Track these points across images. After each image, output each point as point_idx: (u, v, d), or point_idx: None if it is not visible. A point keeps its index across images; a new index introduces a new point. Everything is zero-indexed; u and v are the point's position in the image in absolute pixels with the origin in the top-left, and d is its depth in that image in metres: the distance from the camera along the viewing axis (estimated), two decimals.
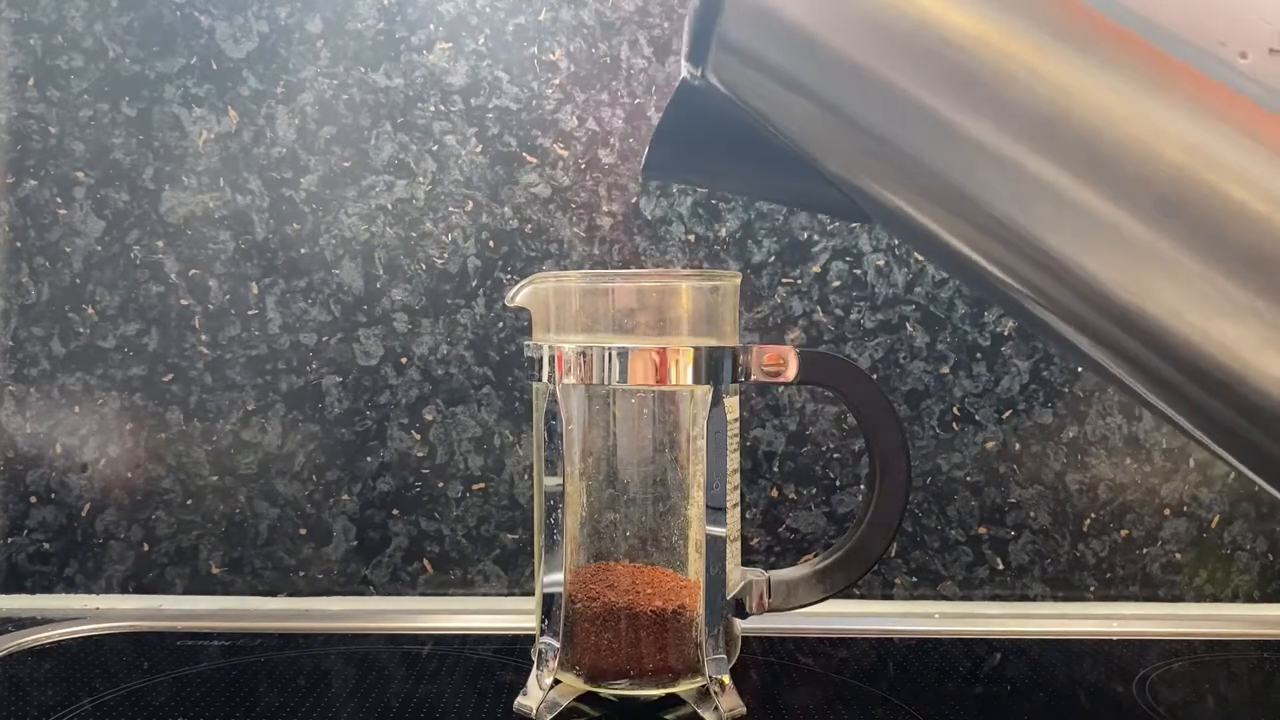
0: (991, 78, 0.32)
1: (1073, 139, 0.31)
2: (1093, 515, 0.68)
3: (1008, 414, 0.68)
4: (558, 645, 0.46)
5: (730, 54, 0.38)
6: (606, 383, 0.46)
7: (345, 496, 0.67)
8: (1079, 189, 0.31)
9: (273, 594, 0.67)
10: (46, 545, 0.67)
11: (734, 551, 0.48)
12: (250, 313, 0.67)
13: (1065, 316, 0.34)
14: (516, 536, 0.67)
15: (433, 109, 0.67)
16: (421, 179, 0.67)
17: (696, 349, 0.46)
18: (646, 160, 0.47)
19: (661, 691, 0.47)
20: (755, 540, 0.67)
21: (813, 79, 0.36)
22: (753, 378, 0.47)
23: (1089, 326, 0.33)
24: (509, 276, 0.67)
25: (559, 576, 0.46)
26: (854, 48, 0.34)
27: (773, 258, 0.67)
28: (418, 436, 0.67)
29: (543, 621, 0.47)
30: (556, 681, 0.47)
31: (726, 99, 0.39)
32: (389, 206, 0.67)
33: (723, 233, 0.67)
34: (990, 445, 0.68)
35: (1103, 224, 0.31)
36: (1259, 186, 0.29)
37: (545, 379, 0.47)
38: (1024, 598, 0.68)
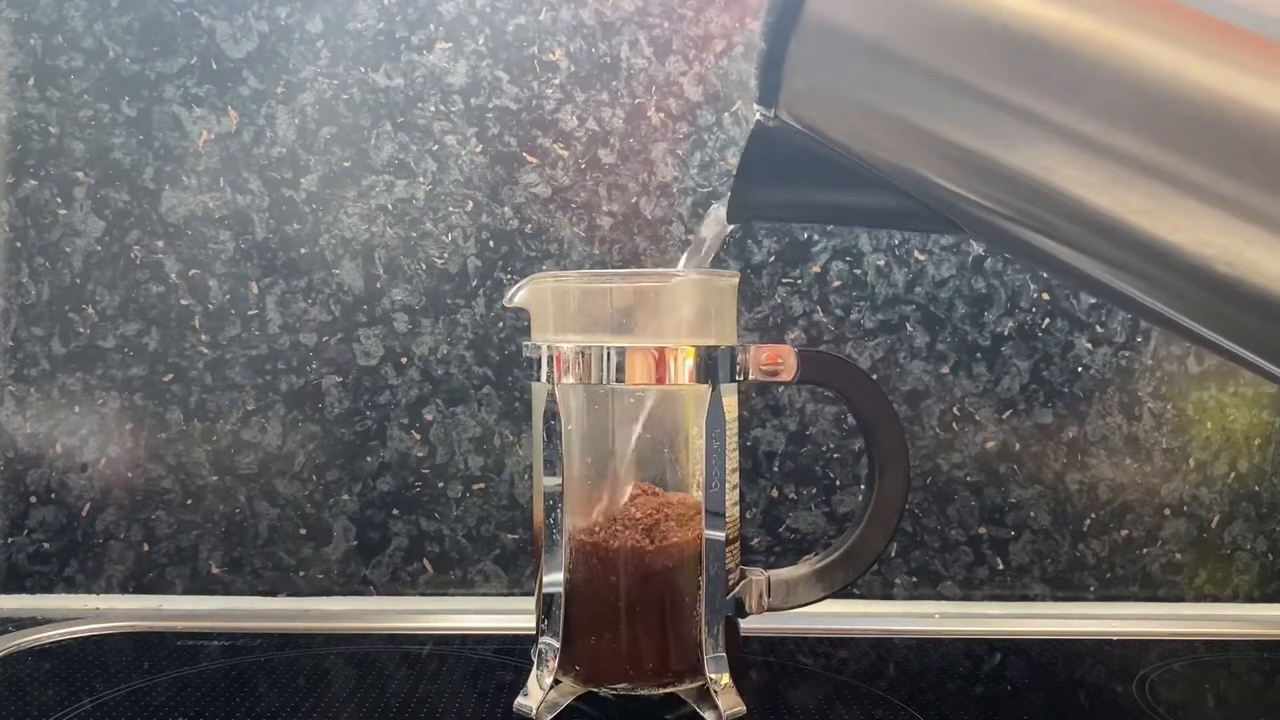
0: (1071, 67, 0.32)
1: (1167, 121, 0.31)
2: (1093, 515, 0.68)
3: (1008, 414, 0.68)
4: (558, 645, 0.46)
5: (801, 88, 0.38)
6: (605, 382, 0.46)
7: (345, 496, 0.67)
8: (1180, 171, 0.31)
9: (273, 594, 0.67)
10: (46, 545, 0.67)
11: (734, 551, 0.48)
12: (250, 313, 0.67)
13: (1164, 298, 0.34)
14: (516, 536, 0.67)
15: (433, 109, 0.67)
16: (421, 179, 0.67)
17: (695, 348, 0.46)
18: (730, 204, 0.47)
19: (661, 691, 0.47)
20: (755, 540, 0.67)
21: (889, 96, 0.36)
22: (751, 377, 0.47)
23: (1194, 305, 0.33)
24: (509, 276, 0.67)
25: (559, 576, 0.46)
26: (929, 55, 0.34)
27: (773, 258, 0.67)
28: (418, 436, 0.67)
29: (542, 621, 0.47)
30: (556, 681, 0.47)
31: (802, 134, 0.39)
32: (389, 206, 0.67)
33: None
34: (990, 445, 0.68)
35: (1212, 206, 0.31)
36: None
37: (544, 379, 0.47)
38: (1024, 598, 0.68)
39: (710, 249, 0.50)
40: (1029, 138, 0.33)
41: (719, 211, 0.49)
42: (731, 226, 0.50)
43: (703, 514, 0.46)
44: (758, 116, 0.40)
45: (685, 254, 0.51)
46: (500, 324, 0.67)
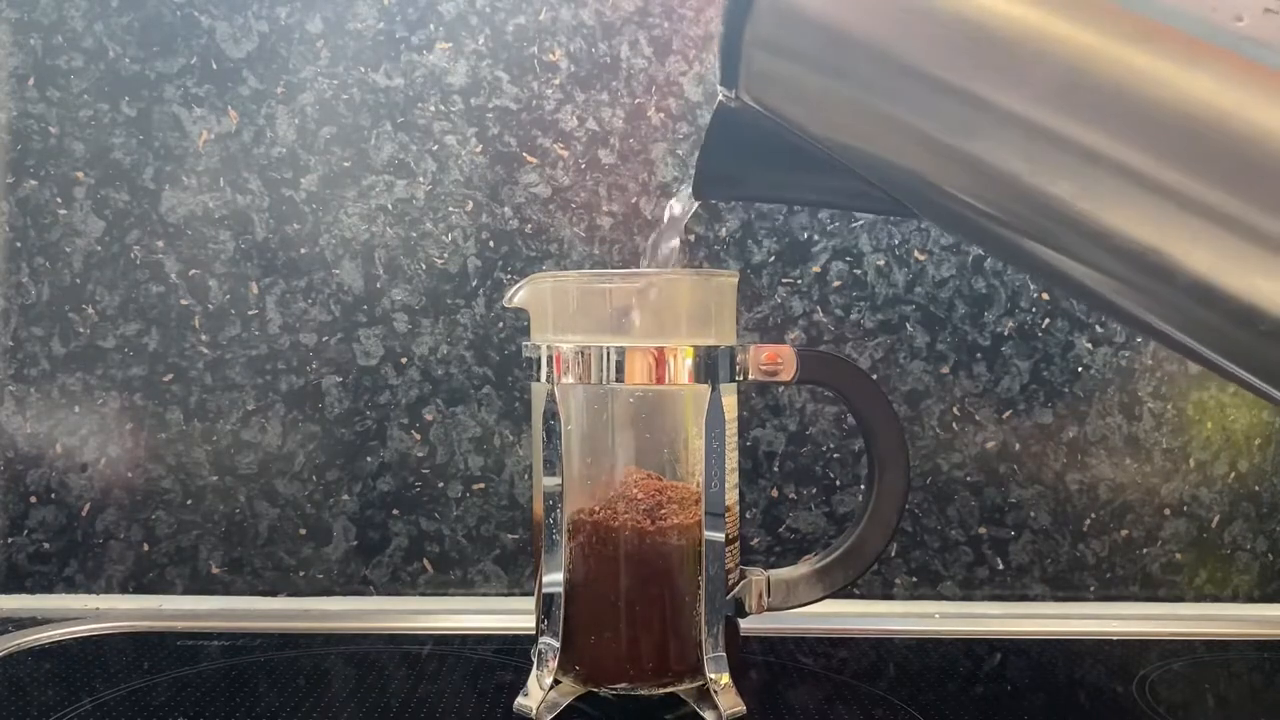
0: (1015, 53, 0.32)
1: (1097, 103, 0.31)
2: (1093, 515, 0.68)
3: (1008, 414, 0.68)
4: (557, 645, 0.46)
5: (758, 70, 0.38)
6: (605, 382, 0.46)
7: (345, 496, 0.67)
8: (1120, 154, 0.31)
9: (273, 594, 0.67)
10: (46, 545, 0.67)
11: (734, 551, 0.48)
12: (250, 313, 0.67)
13: (1104, 278, 0.34)
14: (516, 536, 0.67)
15: (433, 109, 0.67)
16: (421, 179, 0.67)
17: (695, 348, 0.46)
18: (695, 184, 0.48)
19: (661, 691, 0.47)
20: (755, 540, 0.67)
21: (841, 79, 0.36)
22: (751, 377, 0.47)
23: (1131, 284, 0.34)
24: (509, 276, 0.67)
25: (559, 576, 0.46)
26: (882, 35, 0.35)
27: (773, 258, 0.67)
28: (418, 436, 0.67)
29: (542, 621, 0.47)
30: (556, 681, 0.47)
31: (763, 115, 0.40)
32: (389, 206, 0.67)
33: (723, 233, 0.67)
34: (990, 445, 0.68)
35: (1125, 180, 0.32)
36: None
37: (544, 379, 0.47)
38: (1024, 598, 0.68)
39: (680, 224, 0.51)
40: (974, 122, 0.34)
41: (686, 189, 0.50)
42: (698, 203, 0.50)
43: (702, 514, 0.46)
44: (720, 97, 0.41)
45: (656, 231, 0.52)
46: (500, 324, 0.67)
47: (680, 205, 0.51)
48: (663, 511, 0.46)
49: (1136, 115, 0.31)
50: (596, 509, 0.47)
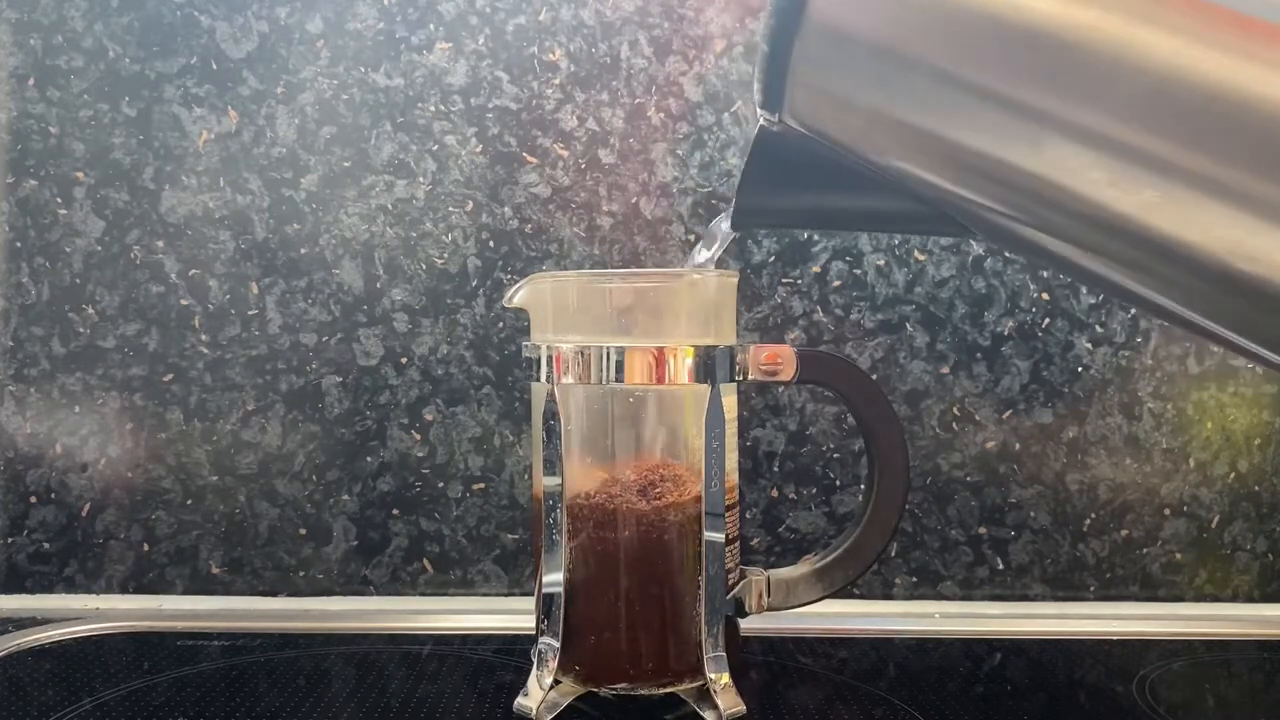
0: (1077, 64, 0.31)
1: (1187, 118, 0.30)
2: (1093, 515, 0.68)
3: (1008, 414, 0.68)
4: (557, 645, 0.46)
5: (806, 92, 0.37)
6: (605, 382, 0.46)
7: (345, 496, 0.67)
8: (1199, 167, 0.30)
9: (273, 594, 0.67)
10: (46, 545, 0.67)
11: (734, 551, 0.48)
12: (250, 313, 0.67)
13: (1174, 295, 0.34)
14: (516, 536, 0.67)
15: (433, 109, 0.67)
16: (421, 179, 0.67)
17: (694, 348, 0.46)
18: (734, 213, 0.47)
19: (661, 691, 0.47)
20: (755, 540, 0.67)
21: (896, 99, 0.35)
22: (751, 377, 0.47)
23: (1198, 298, 0.33)
24: (509, 276, 0.67)
25: (559, 576, 0.46)
26: (936, 55, 0.33)
27: (773, 258, 0.67)
28: (418, 436, 0.67)
29: (542, 621, 0.47)
30: (557, 681, 0.47)
31: (807, 138, 0.38)
32: (389, 206, 0.67)
33: None
34: (990, 445, 0.68)
35: (1214, 197, 0.30)
36: None
37: (544, 379, 0.47)
38: (1024, 598, 0.68)
39: (712, 261, 0.50)
40: (1041, 139, 0.32)
41: (722, 224, 0.48)
42: (734, 236, 0.49)
43: (702, 515, 0.46)
44: (761, 121, 0.40)
45: (691, 257, 0.51)
46: (500, 324, 0.67)
47: (715, 240, 0.49)
48: (657, 489, 0.46)
49: (1220, 126, 0.29)
50: (593, 493, 0.47)
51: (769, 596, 0.49)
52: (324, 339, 0.67)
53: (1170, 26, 0.30)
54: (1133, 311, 0.68)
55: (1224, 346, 0.36)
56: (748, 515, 0.67)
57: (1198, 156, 0.30)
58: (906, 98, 0.35)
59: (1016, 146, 0.33)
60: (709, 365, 0.46)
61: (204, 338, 0.67)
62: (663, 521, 0.46)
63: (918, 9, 0.34)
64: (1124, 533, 0.68)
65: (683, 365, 0.46)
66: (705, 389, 0.46)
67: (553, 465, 0.46)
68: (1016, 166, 0.33)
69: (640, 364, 0.45)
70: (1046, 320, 0.68)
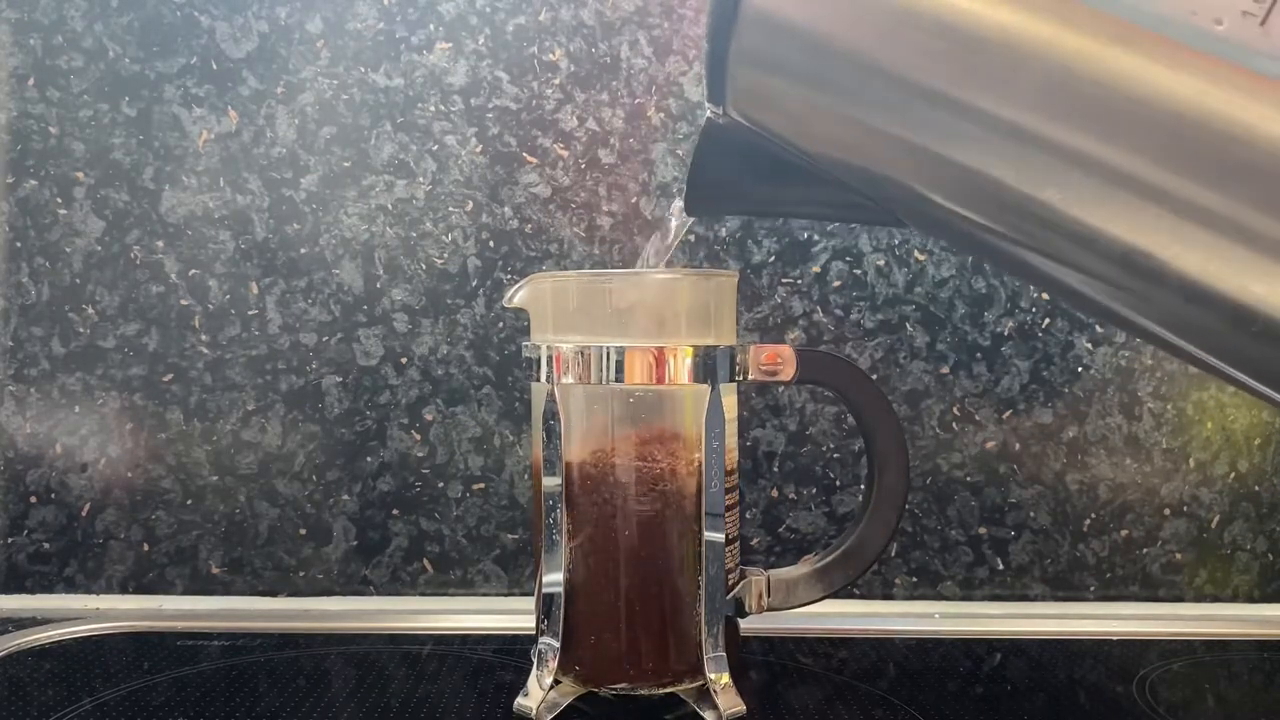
0: (998, 58, 0.32)
1: (1083, 106, 0.31)
2: (1093, 515, 0.68)
3: (1008, 414, 0.68)
4: (557, 645, 0.46)
5: (745, 85, 0.38)
6: (604, 382, 0.46)
7: (345, 496, 0.67)
8: (1116, 160, 0.31)
9: (273, 594, 0.67)
10: (46, 545, 0.67)
11: (733, 551, 0.48)
12: (250, 313, 0.67)
13: (1095, 282, 0.34)
14: (516, 536, 0.68)
15: (433, 109, 0.67)
16: (421, 179, 0.67)
17: (694, 348, 0.46)
18: (685, 200, 0.47)
19: (661, 691, 0.47)
20: (755, 540, 0.67)
21: (829, 92, 0.36)
22: (751, 377, 0.47)
23: (1123, 288, 0.34)
24: (509, 276, 0.67)
25: (559, 576, 0.46)
26: (865, 44, 0.34)
27: (773, 258, 0.67)
28: (418, 436, 0.67)
29: (542, 622, 0.47)
30: (557, 681, 0.47)
31: (751, 130, 0.39)
32: (389, 206, 0.67)
33: (722, 233, 0.67)
34: (990, 445, 0.68)
35: (1112, 182, 0.32)
36: (1261, 135, 0.29)
37: (544, 379, 0.47)
38: (1024, 598, 0.68)
39: (675, 239, 0.51)
40: (959, 129, 0.33)
41: (678, 204, 0.49)
42: (691, 220, 0.50)
43: (702, 515, 0.46)
44: (708, 113, 0.40)
45: (649, 243, 0.52)
46: (500, 324, 0.67)
47: (674, 220, 0.51)
48: (651, 449, 0.46)
49: (1122, 117, 0.31)
50: (587, 459, 0.46)
51: (769, 596, 0.49)
52: (324, 339, 0.67)
53: (1069, 24, 0.32)
54: None
55: (1197, 366, 0.37)
56: (748, 515, 0.67)
57: (1093, 145, 0.32)
58: (836, 89, 0.36)
59: (937, 139, 0.34)
60: (709, 365, 0.46)
61: (204, 338, 0.67)
62: (663, 521, 0.46)
63: (845, 4, 0.35)
64: (1124, 533, 0.68)
65: (683, 365, 0.46)
66: (705, 389, 0.46)
67: (553, 465, 0.46)
68: (940, 157, 0.34)
69: (640, 364, 0.45)
70: (1046, 320, 0.68)
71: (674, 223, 0.51)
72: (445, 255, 0.67)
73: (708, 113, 0.40)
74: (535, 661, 0.47)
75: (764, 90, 0.38)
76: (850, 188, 0.39)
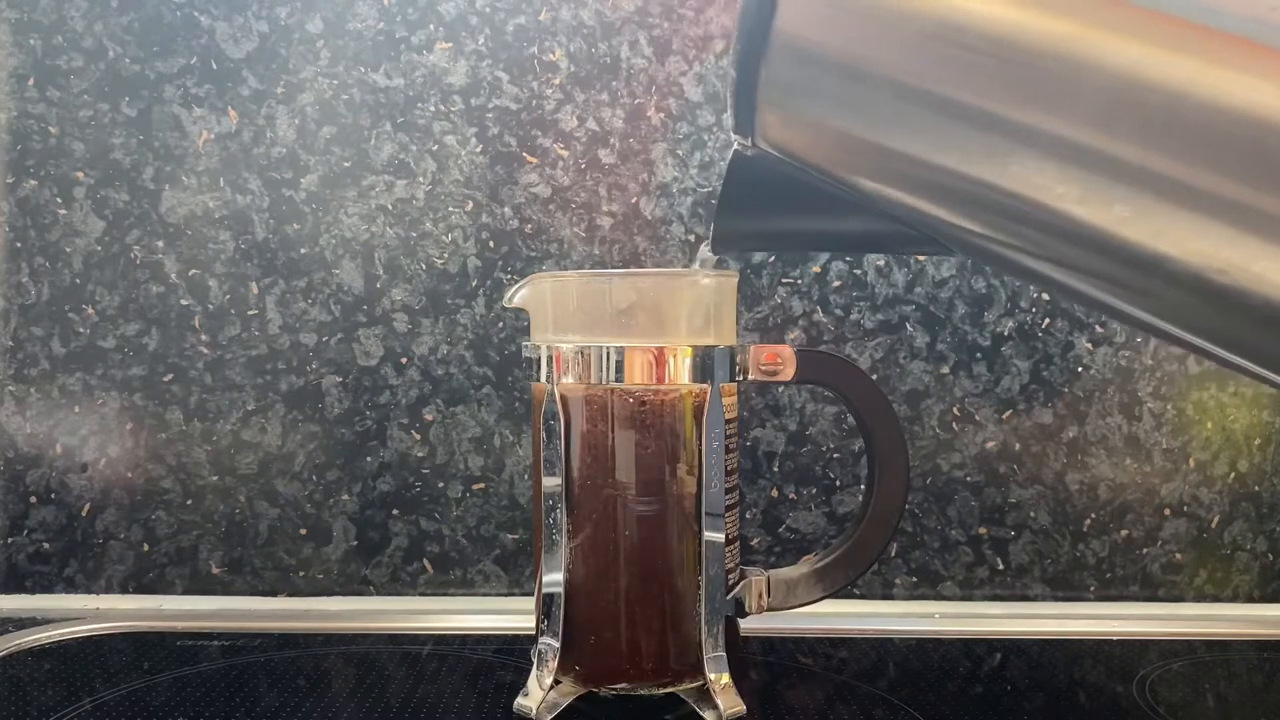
0: (1039, 73, 0.30)
1: (1141, 121, 0.29)
2: (1093, 515, 0.68)
3: (1008, 414, 0.68)
4: (557, 645, 0.46)
5: (776, 115, 0.36)
6: (604, 382, 0.46)
7: (345, 496, 0.67)
8: (1152, 173, 0.29)
9: (273, 594, 0.67)
10: (46, 545, 0.67)
11: (733, 551, 0.48)
12: (250, 313, 0.67)
13: (1155, 309, 0.33)
14: (516, 536, 0.68)
15: (433, 109, 0.67)
16: (421, 179, 0.67)
17: (694, 348, 0.46)
18: (713, 236, 0.47)
19: (661, 691, 0.47)
20: (755, 540, 0.67)
21: (864, 118, 0.34)
22: (751, 377, 0.47)
23: (1180, 312, 0.32)
24: (509, 276, 0.67)
25: (559, 576, 0.46)
26: (901, 71, 0.33)
27: (773, 258, 0.67)
28: (418, 436, 0.67)
29: (542, 621, 0.47)
30: (557, 681, 0.47)
31: (782, 161, 0.38)
32: (389, 206, 0.67)
33: None
34: (990, 445, 0.68)
35: (1183, 207, 0.29)
36: None
37: (544, 379, 0.47)
38: (1024, 598, 0.68)
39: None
40: (1007, 153, 0.32)
41: (705, 249, 0.49)
42: (716, 259, 0.50)
43: (702, 515, 0.46)
44: (735, 146, 0.39)
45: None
46: (500, 324, 0.67)
47: (701, 262, 0.50)
48: (651, 450, 0.46)
49: (1198, 132, 0.29)
50: (588, 459, 0.46)
51: (769, 596, 0.49)
52: (324, 339, 0.67)
53: (1130, 32, 0.29)
54: None
55: (1218, 363, 0.36)
56: (748, 515, 0.67)
57: (1164, 164, 0.29)
58: (872, 117, 0.34)
59: (983, 162, 0.32)
60: (709, 365, 0.46)
61: (204, 338, 0.67)
62: (663, 521, 0.46)
63: (879, 26, 0.33)
64: (1124, 533, 0.68)
65: (682, 365, 0.46)
66: (705, 389, 0.46)
67: (553, 465, 0.46)
68: (985, 183, 0.33)
69: (640, 364, 0.45)
70: (1046, 320, 0.68)
71: (700, 263, 0.50)
72: (445, 255, 0.67)
73: (734, 145, 0.39)
74: (535, 661, 0.47)
75: (796, 118, 0.36)
76: (890, 216, 0.38)
